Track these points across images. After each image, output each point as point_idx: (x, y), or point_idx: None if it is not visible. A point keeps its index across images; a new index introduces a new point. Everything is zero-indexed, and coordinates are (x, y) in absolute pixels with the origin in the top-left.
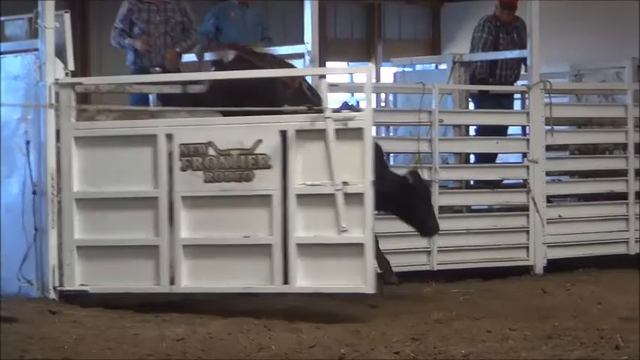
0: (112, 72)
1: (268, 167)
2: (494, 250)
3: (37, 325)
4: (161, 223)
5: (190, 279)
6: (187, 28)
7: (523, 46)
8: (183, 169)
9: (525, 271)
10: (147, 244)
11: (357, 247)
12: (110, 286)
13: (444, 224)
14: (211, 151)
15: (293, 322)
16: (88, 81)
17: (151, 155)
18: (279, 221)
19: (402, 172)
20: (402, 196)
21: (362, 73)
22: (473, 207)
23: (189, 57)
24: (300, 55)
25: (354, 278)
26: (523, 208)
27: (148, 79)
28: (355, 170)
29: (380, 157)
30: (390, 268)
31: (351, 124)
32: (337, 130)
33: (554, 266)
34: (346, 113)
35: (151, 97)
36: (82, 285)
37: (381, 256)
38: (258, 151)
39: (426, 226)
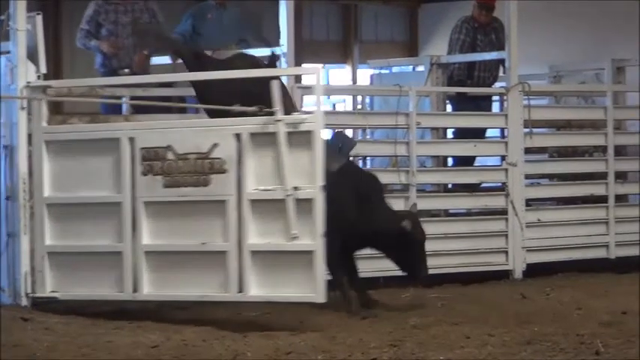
0: (84, 75)
1: (224, 172)
2: (473, 254)
3: (9, 332)
4: (124, 229)
5: (152, 286)
6: None
7: (501, 48)
8: (144, 174)
9: (504, 275)
10: (111, 251)
11: (307, 255)
12: (78, 293)
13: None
14: (170, 155)
15: (269, 328)
16: (60, 84)
17: (115, 159)
18: (235, 228)
19: (398, 208)
20: (395, 241)
21: (311, 74)
22: (451, 211)
23: (163, 59)
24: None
25: (305, 287)
26: (502, 212)
27: (119, 81)
28: (307, 175)
29: (378, 192)
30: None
31: (301, 128)
32: (290, 134)
33: (534, 271)
34: (296, 116)
35: (124, 103)
36: (52, 292)
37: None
38: (214, 155)
39: (414, 272)
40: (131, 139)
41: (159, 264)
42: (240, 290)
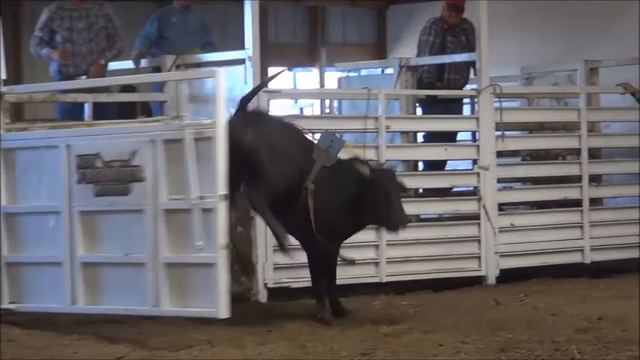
0: (46, 80)
1: (142, 180)
2: (445, 260)
3: None
4: (63, 239)
5: (86, 298)
6: (112, 35)
7: (471, 49)
8: (78, 182)
9: (477, 281)
10: (54, 261)
11: (209, 268)
12: (30, 304)
13: (392, 235)
14: (99, 163)
15: (237, 337)
16: (18, 89)
17: (56, 167)
18: (152, 238)
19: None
20: (364, 196)
21: (209, 77)
22: (422, 216)
23: (125, 64)
24: (241, 61)
25: (208, 301)
26: (474, 217)
27: (79, 85)
28: (212, 184)
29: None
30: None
31: (203, 134)
32: (197, 142)
33: (507, 276)
34: (199, 121)
35: (86, 107)
36: (10, 302)
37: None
38: (134, 162)
39: (390, 222)
40: (68, 147)
41: (93, 276)
42: (157, 304)
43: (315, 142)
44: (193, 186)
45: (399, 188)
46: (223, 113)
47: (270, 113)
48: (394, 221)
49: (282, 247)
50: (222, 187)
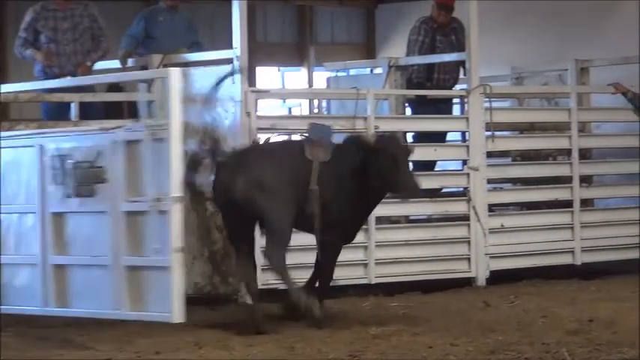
0: (32, 80)
1: (106, 181)
2: (435, 261)
3: None
4: (39, 240)
5: (57, 301)
6: (97, 35)
7: (461, 49)
8: (51, 183)
9: (467, 283)
10: (32, 263)
11: (163, 271)
12: (14, 305)
13: (381, 235)
14: (69, 164)
15: (224, 339)
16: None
17: (31, 168)
18: (114, 241)
19: None
20: (373, 166)
21: (162, 77)
22: (411, 217)
23: (110, 63)
24: (229, 60)
25: (163, 305)
26: (464, 218)
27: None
28: (166, 185)
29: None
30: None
31: (156, 135)
32: (155, 142)
33: (497, 278)
34: (155, 122)
35: (72, 107)
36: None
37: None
38: (98, 163)
39: (401, 187)
40: (42, 147)
41: (61, 278)
42: (118, 307)
43: (305, 138)
44: (149, 188)
45: (406, 153)
46: (178, 114)
47: (251, 143)
48: (406, 185)
49: (307, 311)
50: (176, 189)
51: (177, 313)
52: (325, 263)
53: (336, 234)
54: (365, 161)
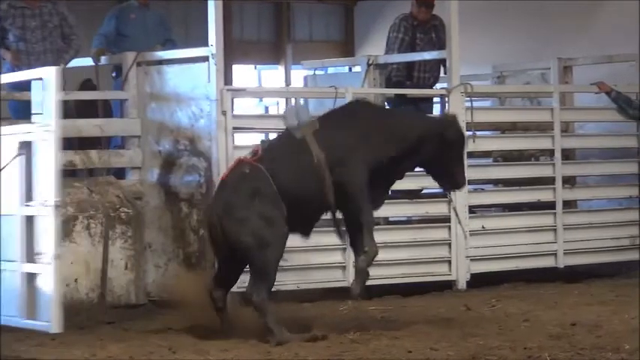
0: None
1: (11, 184)
2: (414, 264)
3: None
4: None
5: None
6: (67, 34)
7: (442, 47)
8: None
9: (447, 286)
10: None
11: (40, 278)
12: None
13: None
14: None
15: (199, 343)
16: None
17: None
18: (9, 245)
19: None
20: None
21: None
22: (391, 219)
23: (83, 60)
24: (204, 58)
25: (44, 314)
26: (444, 220)
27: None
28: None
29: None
30: None
31: (28, 137)
32: (43, 142)
33: (478, 281)
34: (43, 122)
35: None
36: None
37: None
38: (10, 166)
39: (457, 180)
40: None
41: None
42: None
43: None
44: (38, 191)
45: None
46: (56, 116)
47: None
48: (462, 179)
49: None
50: (53, 194)
51: (55, 323)
52: (353, 204)
53: (355, 173)
54: (422, 140)
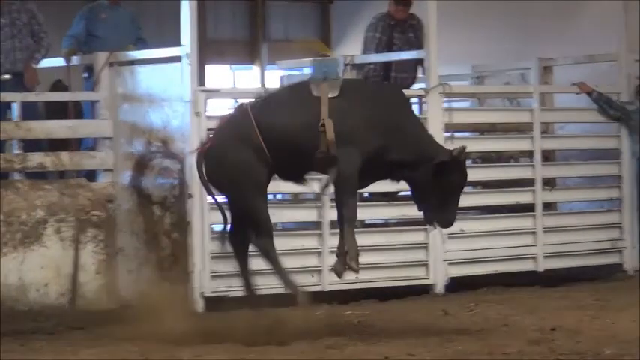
0: None
1: None
2: (391, 268)
3: None
4: None
5: None
6: (37, 32)
7: (420, 46)
8: None
9: (425, 290)
10: None
11: None
12: None
13: (335, 241)
14: None
15: (171, 348)
16: None
17: None
18: None
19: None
20: (440, 171)
21: None
22: (367, 222)
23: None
24: (178, 58)
25: None
26: (421, 222)
27: None
28: None
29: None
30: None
31: None
32: None
33: (457, 285)
34: None
35: (15, 105)
36: None
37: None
38: None
39: (447, 214)
40: None
41: None
42: None
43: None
44: None
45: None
46: None
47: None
48: (452, 215)
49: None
50: None
51: None
52: (339, 194)
53: (349, 161)
54: (439, 164)
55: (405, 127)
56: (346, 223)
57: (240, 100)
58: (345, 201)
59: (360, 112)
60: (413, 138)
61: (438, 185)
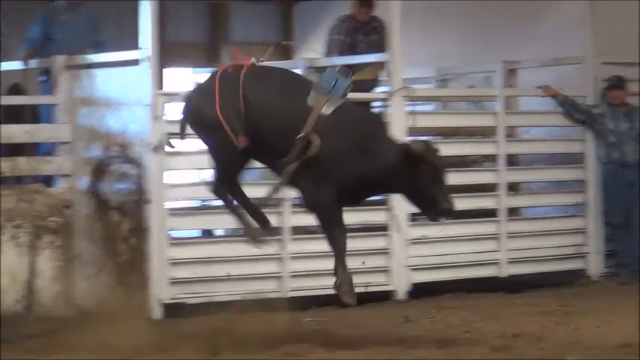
0: None
1: None
2: (352, 274)
3: None
4: None
5: None
6: None
7: (383, 49)
8: None
9: (386, 296)
10: None
11: None
12: None
13: (296, 246)
14: None
15: (133, 354)
16: None
17: None
18: None
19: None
20: (407, 172)
21: None
22: None
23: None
24: (137, 62)
25: None
26: (383, 228)
27: None
28: None
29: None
30: None
31: None
32: None
33: (419, 291)
34: None
35: None
36: None
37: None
38: None
39: (438, 204)
40: None
41: None
42: None
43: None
44: None
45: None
46: None
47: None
48: (448, 201)
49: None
50: None
51: None
52: (322, 228)
53: (323, 192)
54: (400, 164)
55: (380, 151)
56: (335, 257)
57: None
58: (329, 234)
59: (343, 136)
60: (389, 157)
61: (419, 182)
